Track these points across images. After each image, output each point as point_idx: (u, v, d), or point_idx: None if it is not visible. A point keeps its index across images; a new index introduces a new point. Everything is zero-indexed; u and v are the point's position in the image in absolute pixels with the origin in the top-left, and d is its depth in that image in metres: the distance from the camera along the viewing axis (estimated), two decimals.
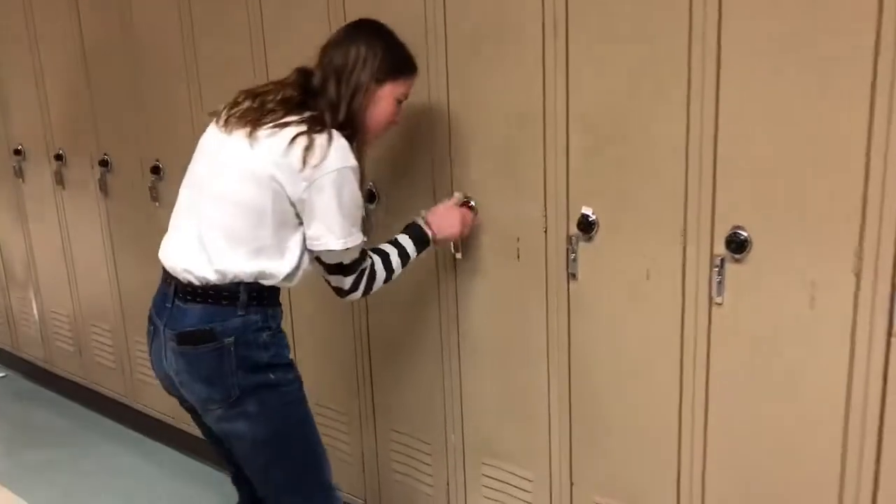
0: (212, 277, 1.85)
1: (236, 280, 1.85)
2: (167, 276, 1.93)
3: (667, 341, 1.89)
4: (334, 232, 1.83)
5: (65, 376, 3.84)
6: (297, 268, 1.89)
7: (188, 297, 1.88)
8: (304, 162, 1.77)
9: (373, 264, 1.97)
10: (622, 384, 2.00)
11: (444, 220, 2.11)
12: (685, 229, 1.80)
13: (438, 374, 2.39)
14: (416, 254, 2.06)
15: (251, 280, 1.86)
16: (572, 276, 2.02)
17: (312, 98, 1.87)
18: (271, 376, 1.89)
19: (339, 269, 1.92)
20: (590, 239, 1.97)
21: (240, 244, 1.84)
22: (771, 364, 1.74)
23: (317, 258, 1.93)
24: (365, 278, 1.97)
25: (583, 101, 1.91)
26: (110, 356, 3.52)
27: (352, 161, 1.82)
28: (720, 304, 1.78)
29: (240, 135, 1.85)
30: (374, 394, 2.60)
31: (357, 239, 1.87)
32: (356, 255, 1.91)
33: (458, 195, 2.18)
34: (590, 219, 1.96)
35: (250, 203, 1.82)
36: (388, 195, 2.38)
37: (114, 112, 3.16)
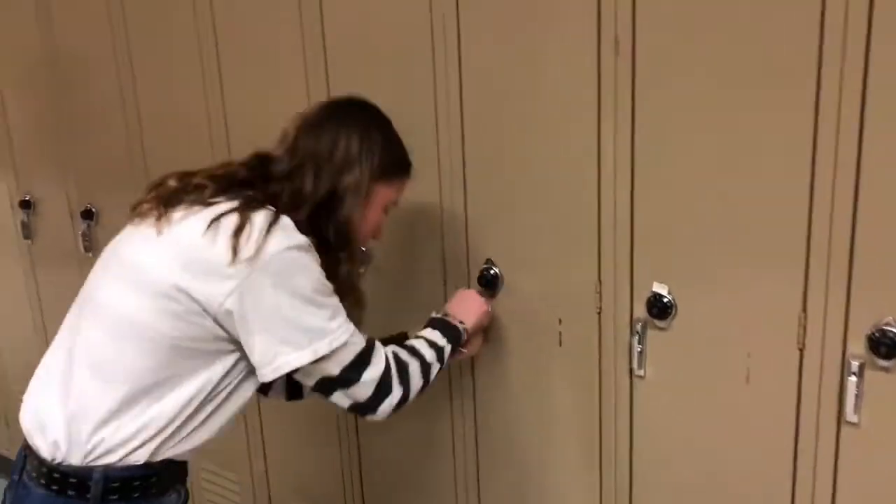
0: (62, 442, 1.27)
1: (92, 454, 1.27)
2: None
3: (773, 469, 1.38)
4: (291, 342, 1.26)
5: None
6: (179, 427, 1.29)
7: (34, 473, 1.31)
8: (234, 251, 1.22)
9: (395, 354, 1.41)
10: None
11: (462, 306, 1.59)
12: (804, 315, 1.29)
13: (451, 493, 1.86)
14: (449, 347, 1.50)
15: (116, 455, 1.27)
16: (638, 373, 1.51)
17: (264, 181, 1.33)
18: None
19: (334, 384, 1.34)
20: (664, 327, 1.46)
21: (110, 383, 1.27)
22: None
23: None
24: (395, 375, 1.37)
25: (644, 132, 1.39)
26: None
27: (299, 238, 1.28)
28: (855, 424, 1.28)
29: (147, 223, 1.31)
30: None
31: (342, 334, 1.30)
32: (351, 354, 1.33)
33: (461, 291, 1.67)
34: (664, 299, 1.44)
35: (138, 321, 1.26)
36: (382, 254, 1.84)
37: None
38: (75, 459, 1.27)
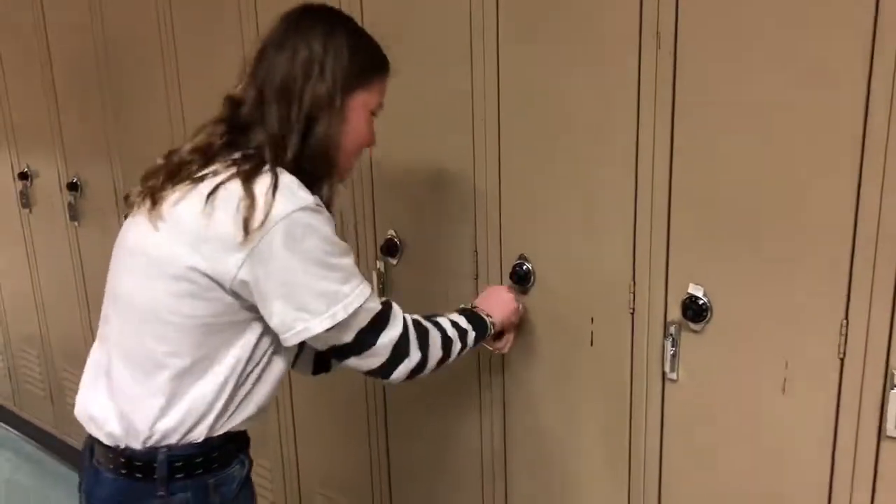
0: (120, 434, 1.28)
1: (151, 440, 1.27)
2: None
3: (807, 484, 1.33)
4: (310, 308, 1.22)
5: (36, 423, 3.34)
6: (228, 401, 1.28)
7: (100, 458, 1.32)
8: (243, 222, 1.17)
9: (416, 320, 1.36)
10: None
11: (492, 301, 1.55)
12: (846, 322, 1.24)
13: (478, 496, 1.83)
14: (473, 334, 1.45)
15: (175, 437, 1.27)
16: (670, 377, 1.46)
17: (244, 133, 1.26)
18: None
19: (349, 350, 1.30)
20: (699, 331, 1.41)
21: (147, 375, 1.26)
22: None
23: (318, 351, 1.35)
24: (413, 338, 1.33)
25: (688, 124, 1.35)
26: None
27: (304, 198, 1.21)
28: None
29: (143, 212, 1.28)
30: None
31: (355, 300, 1.25)
32: (366, 318, 1.28)
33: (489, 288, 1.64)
34: (700, 301, 1.39)
35: (160, 308, 1.24)
36: (415, 247, 1.82)
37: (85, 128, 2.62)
38: (137, 445, 1.28)
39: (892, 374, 1.22)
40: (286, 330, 1.24)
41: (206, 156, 1.26)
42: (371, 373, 1.34)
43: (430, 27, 1.66)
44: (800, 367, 1.31)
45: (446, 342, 1.39)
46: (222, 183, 1.21)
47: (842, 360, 1.27)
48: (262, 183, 1.20)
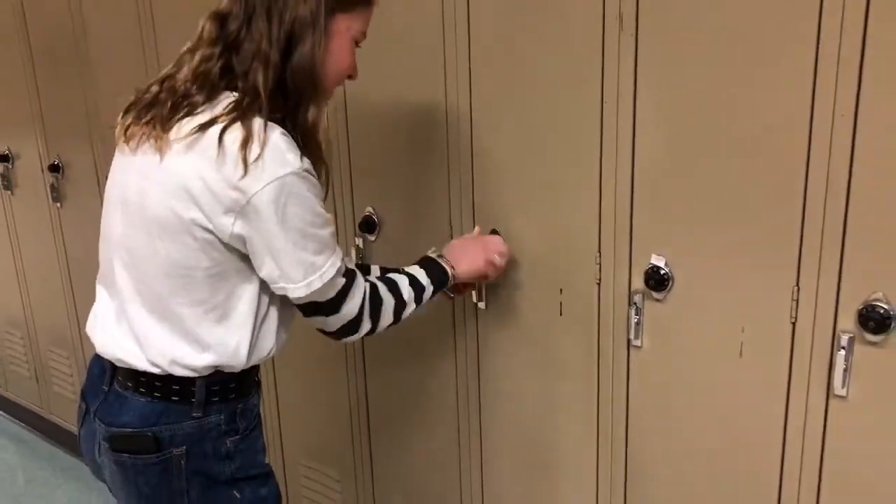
0: (155, 370, 1.36)
1: (187, 373, 1.36)
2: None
3: (764, 441, 1.41)
4: (288, 274, 1.30)
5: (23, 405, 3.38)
6: (255, 337, 1.37)
7: (129, 383, 1.39)
8: (245, 164, 1.23)
9: (374, 288, 1.44)
10: (693, 485, 1.52)
11: (462, 250, 1.61)
12: (797, 289, 1.31)
13: (454, 457, 1.91)
14: (431, 288, 1.53)
15: (208, 370, 1.36)
16: (635, 344, 1.54)
17: (236, 52, 1.30)
18: (236, 495, 1.40)
19: (316, 308, 1.38)
20: (661, 299, 1.49)
21: (172, 320, 1.34)
22: None
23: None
24: (367, 310, 1.42)
25: (662, 92, 1.41)
26: (71, 386, 3.05)
27: (293, 162, 1.26)
28: (842, 398, 1.31)
29: (145, 148, 1.32)
30: (374, 469, 2.12)
31: (328, 270, 1.33)
32: (335, 288, 1.36)
33: (477, 229, 1.69)
34: (661, 271, 1.47)
35: (172, 262, 1.31)
36: (391, 224, 1.88)
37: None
38: (175, 372, 1.35)
39: (839, 337, 1.30)
40: (272, 283, 1.33)
41: (207, 85, 1.30)
42: (326, 332, 1.44)
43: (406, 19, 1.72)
44: (755, 332, 1.39)
45: (399, 308, 1.47)
46: (228, 125, 1.24)
47: (793, 324, 1.35)
48: (257, 139, 1.24)
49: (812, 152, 1.26)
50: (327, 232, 1.34)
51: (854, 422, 1.32)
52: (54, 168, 2.73)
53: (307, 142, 1.31)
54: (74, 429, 3.08)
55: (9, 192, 3.00)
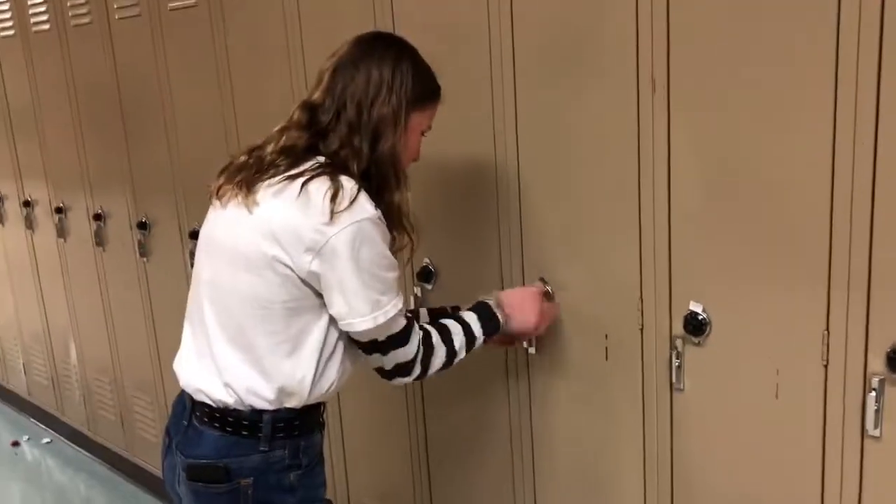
0: (229, 400, 1.50)
1: (257, 406, 1.50)
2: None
3: (802, 482, 1.46)
4: (356, 308, 1.44)
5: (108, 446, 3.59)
6: (318, 373, 1.50)
7: (205, 419, 1.54)
8: (331, 212, 1.39)
9: (427, 336, 1.57)
10: None
11: (519, 305, 1.70)
12: (827, 333, 1.38)
13: (509, 494, 1.99)
14: (482, 336, 1.64)
15: (274, 405, 1.50)
16: (677, 386, 1.61)
17: (323, 138, 1.49)
18: None
19: (375, 346, 1.51)
20: (699, 343, 1.56)
21: (247, 350, 1.49)
22: None
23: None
24: (419, 358, 1.54)
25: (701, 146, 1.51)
26: (153, 430, 3.24)
27: (369, 210, 1.43)
28: (877, 438, 1.36)
29: (235, 203, 1.49)
30: None
31: (391, 309, 1.47)
32: (396, 327, 1.50)
33: (540, 283, 1.79)
34: (699, 317, 1.55)
35: (252, 295, 1.47)
36: (447, 273, 2.01)
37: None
38: (244, 409, 1.50)
39: (870, 379, 1.35)
40: (340, 320, 1.47)
41: (292, 156, 1.47)
42: (380, 371, 1.56)
43: (455, 83, 1.86)
44: (789, 375, 1.46)
45: (450, 356, 1.59)
46: (313, 177, 1.42)
47: (825, 367, 1.41)
48: (349, 182, 1.42)
49: (835, 201, 1.34)
50: (393, 275, 1.48)
51: (889, 461, 1.37)
52: (142, 225, 2.96)
53: (391, 220, 1.49)
54: (156, 471, 3.28)
55: (101, 248, 3.25)
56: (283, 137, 1.50)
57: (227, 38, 2.40)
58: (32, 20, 3.20)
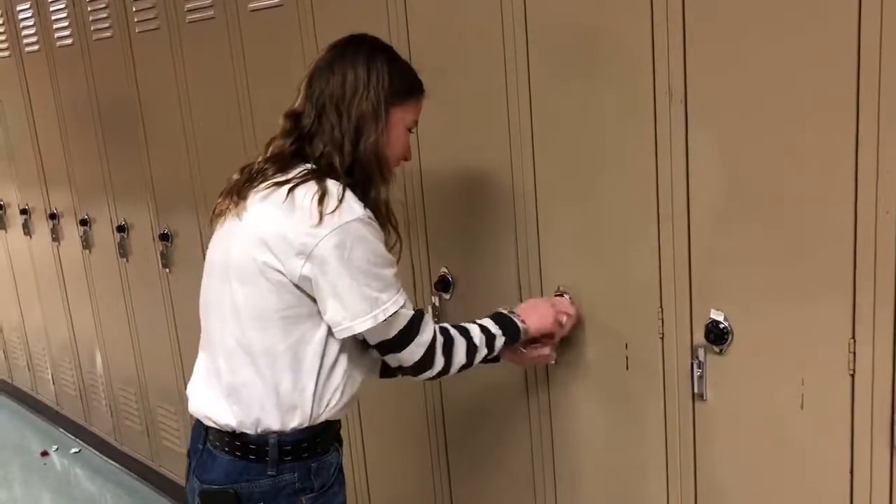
0: (234, 422, 1.50)
1: (262, 426, 1.49)
2: None
3: (830, 495, 1.42)
4: (354, 309, 1.42)
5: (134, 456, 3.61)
6: (320, 386, 1.48)
7: (217, 443, 1.53)
8: (321, 215, 1.39)
9: (444, 328, 1.55)
10: None
11: (532, 307, 1.69)
12: (854, 341, 1.34)
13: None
14: (503, 338, 1.62)
15: (279, 423, 1.48)
16: (699, 396, 1.58)
17: (308, 142, 1.49)
18: None
19: (388, 347, 1.50)
20: (721, 352, 1.53)
21: (247, 365, 1.48)
22: None
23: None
24: (439, 346, 1.52)
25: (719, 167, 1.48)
26: (177, 440, 3.25)
27: (358, 210, 1.43)
28: None
29: (229, 217, 1.51)
30: None
31: (392, 306, 1.45)
32: (402, 322, 1.48)
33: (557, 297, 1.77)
34: (721, 325, 1.51)
35: (247, 305, 1.46)
36: (465, 283, 1.99)
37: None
38: (250, 432, 1.49)
39: None
40: (335, 325, 1.45)
41: (280, 162, 1.48)
42: (404, 370, 1.53)
43: (470, 99, 1.85)
44: (815, 384, 1.42)
45: (471, 351, 1.56)
46: (299, 184, 1.43)
47: (852, 376, 1.36)
48: (332, 184, 1.42)
49: (858, 204, 1.30)
50: (390, 272, 1.46)
51: None
52: (164, 237, 2.98)
53: (378, 217, 1.48)
54: (181, 480, 3.29)
55: (124, 260, 3.27)
56: (271, 147, 1.53)
57: (244, 50, 2.40)
58: (56, 35, 3.24)
